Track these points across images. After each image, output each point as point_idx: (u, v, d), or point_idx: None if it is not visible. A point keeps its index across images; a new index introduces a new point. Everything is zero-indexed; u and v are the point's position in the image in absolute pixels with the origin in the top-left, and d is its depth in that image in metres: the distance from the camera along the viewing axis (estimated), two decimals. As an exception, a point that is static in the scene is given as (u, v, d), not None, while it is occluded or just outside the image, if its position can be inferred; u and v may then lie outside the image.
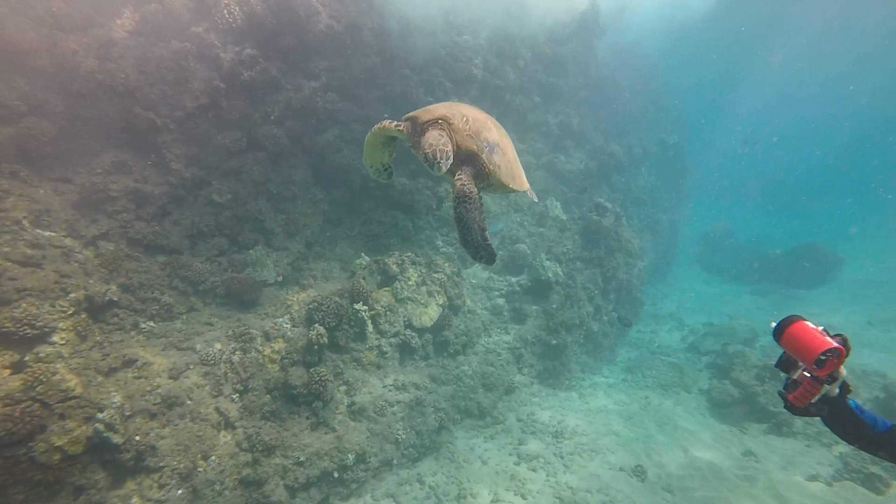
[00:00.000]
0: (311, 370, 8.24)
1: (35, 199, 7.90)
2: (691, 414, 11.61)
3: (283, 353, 8.23)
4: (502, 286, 13.02)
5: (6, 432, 5.61)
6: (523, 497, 8.61)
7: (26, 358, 6.86)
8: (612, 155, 18.70)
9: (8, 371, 6.70)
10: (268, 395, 7.90)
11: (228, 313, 8.93)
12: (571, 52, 19.22)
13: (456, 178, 3.66)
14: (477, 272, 13.32)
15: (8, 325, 6.66)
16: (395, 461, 8.81)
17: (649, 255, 19.74)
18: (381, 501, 8.33)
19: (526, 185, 4.16)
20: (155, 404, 6.96)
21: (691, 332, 17.20)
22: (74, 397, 6.22)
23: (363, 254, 10.48)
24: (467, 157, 3.69)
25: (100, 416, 6.25)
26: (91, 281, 7.82)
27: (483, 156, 3.64)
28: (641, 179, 20.54)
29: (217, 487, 7.01)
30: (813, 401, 2.63)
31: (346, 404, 8.73)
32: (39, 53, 8.19)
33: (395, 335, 9.74)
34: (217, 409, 7.46)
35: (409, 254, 10.50)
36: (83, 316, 7.52)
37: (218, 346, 7.98)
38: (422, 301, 10.18)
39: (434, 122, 3.72)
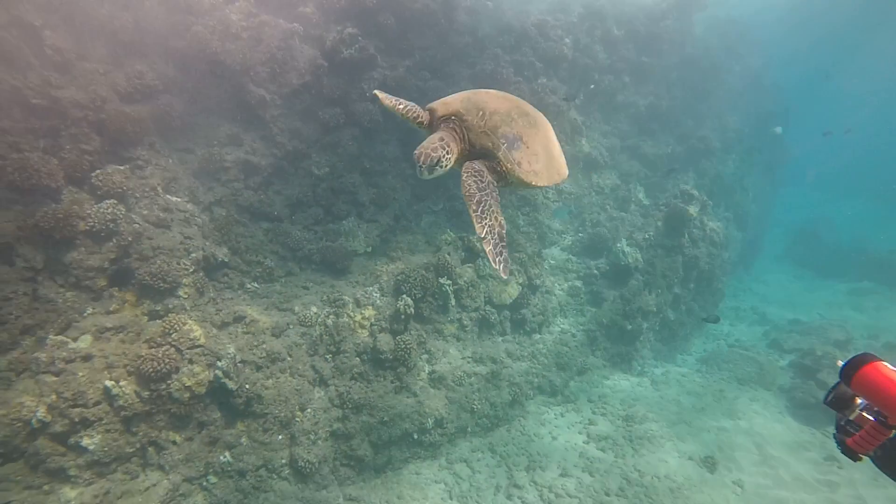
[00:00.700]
0: (397, 338, 8.83)
1: (166, 168, 8.84)
2: (768, 411, 11.35)
3: (373, 321, 8.85)
4: (580, 268, 13.09)
5: (153, 370, 6.55)
6: (591, 474, 8.90)
7: (157, 308, 7.86)
8: (702, 139, 17.93)
9: (146, 318, 7.72)
10: (357, 358, 8.57)
11: (322, 279, 9.64)
12: (667, 29, 18.40)
13: (464, 170, 3.51)
14: (555, 253, 13.44)
15: (147, 278, 7.63)
16: (469, 429, 9.33)
17: (734, 245, 18.96)
18: (455, 465, 8.90)
19: (558, 179, 3.93)
20: (261, 358, 7.77)
21: (774, 327, 16.52)
22: (199, 346, 7.10)
23: (449, 230, 10.89)
24: (483, 154, 3.62)
25: (219, 363, 7.11)
26: (207, 243, 8.71)
27: (500, 153, 3.53)
28: (732, 165, 19.56)
29: (311, 437, 7.79)
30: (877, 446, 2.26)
31: (427, 372, 9.29)
32: (175, 37, 9.04)
33: (476, 310, 10.16)
34: (313, 367, 8.21)
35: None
36: (201, 274, 8.44)
37: (314, 309, 8.70)
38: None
39: (447, 119, 3.66)
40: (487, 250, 3.45)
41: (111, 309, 7.53)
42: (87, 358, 6.73)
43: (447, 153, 3.51)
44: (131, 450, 6.70)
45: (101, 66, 8.64)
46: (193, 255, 8.40)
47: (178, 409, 6.87)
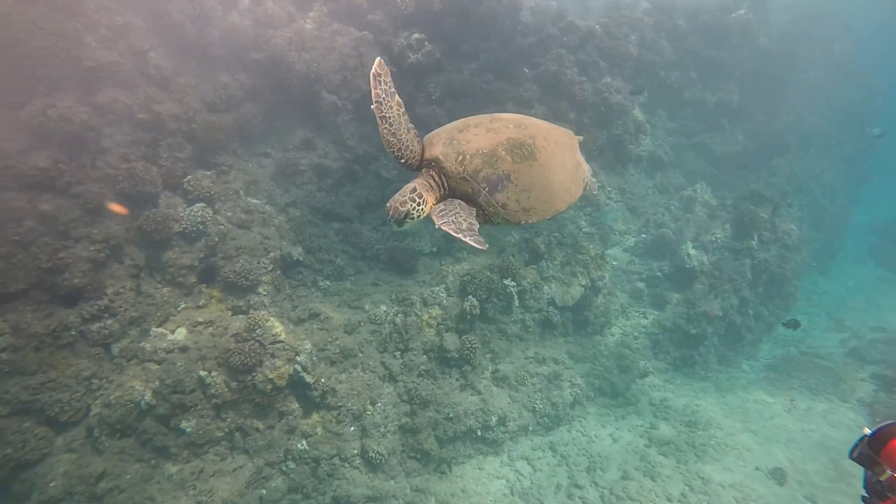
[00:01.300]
0: (462, 337, 9.12)
1: (247, 172, 9.48)
2: (846, 425, 10.87)
3: (439, 320, 9.17)
4: (643, 270, 12.95)
5: (240, 363, 7.14)
6: (652, 479, 8.90)
7: (240, 303, 8.49)
8: (775, 135, 17.20)
9: (230, 313, 8.37)
10: (424, 356, 8.93)
11: (390, 278, 10.05)
12: (738, 21, 17.69)
13: (433, 213, 3.44)
14: (618, 254, 13.35)
15: (231, 276, 8.26)
16: (531, 427, 9.53)
17: (809, 246, 18.07)
18: (517, 462, 9.13)
19: (562, 206, 3.72)
20: (335, 354, 8.25)
21: (854, 335, 15.64)
22: (280, 341, 7.64)
23: (513, 231, 11.07)
24: (465, 197, 3.46)
25: (298, 358, 7.63)
26: (284, 242, 9.28)
27: (480, 199, 3.39)
28: (809, 162, 18.62)
29: (381, 430, 8.21)
30: None
31: (490, 371, 9.55)
32: (256, 49, 9.65)
33: (539, 311, 10.31)
34: (383, 364, 8.62)
35: (557, 234, 10.89)
36: (278, 272, 9.02)
37: (383, 307, 9.11)
38: (565, 280, 10.59)
39: (428, 164, 3.49)
40: (451, 231, 3.38)
41: (200, 304, 8.22)
42: (183, 349, 7.41)
43: (417, 205, 3.37)
44: (221, 434, 7.33)
45: (193, 79, 9.35)
46: (272, 254, 8.99)
47: (262, 400, 7.44)
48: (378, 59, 3.41)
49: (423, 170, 3.56)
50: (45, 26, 7.56)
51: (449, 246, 10.95)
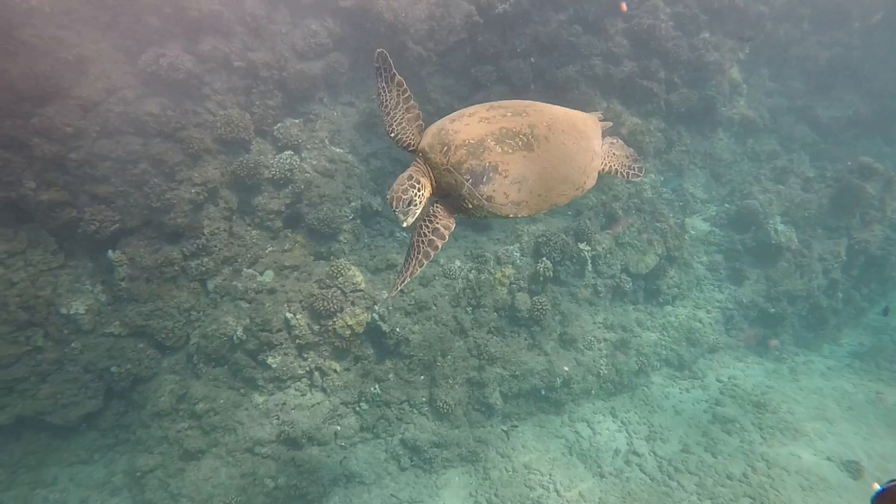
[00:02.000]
0: (533, 298, 9.21)
1: (332, 121, 9.68)
2: (942, 426, 10.26)
3: (512, 279, 9.27)
4: (723, 242, 12.38)
5: (323, 308, 7.61)
6: (713, 455, 8.87)
7: (322, 250, 8.90)
8: None
9: (312, 258, 8.81)
10: (495, 313, 9.11)
11: (465, 233, 10.17)
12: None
13: (414, 233, 3.40)
14: (697, 223, 12.80)
15: (315, 223, 8.65)
16: (593, 391, 9.64)
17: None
18: (577, 424, 9.32)
19: (564, 199, 3.55)
20: (409, 305, 8.57)
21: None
22: (360, 290, 8.02)
23: (591, 194, 10.82)
24: (449, 189, 3.37)
25: (376, 307, 8.00)
26: (364, 192, 9.53)
27: (463, 191, 3.25)
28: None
29: (450, 381, 8.58)
30: None
31: (558, 332, 9.64)
32: (346, -5, 9.65)
33: (611, 277, 10.18)
34: (454, 318, 8.89)
35: (636, 200, 10.57)
36: (358, 221, 9.33)
37: (458, 263, 9.29)
38: (641, 248, 10.35)
39: (420, 154, 3.43)
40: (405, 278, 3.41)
41: (286, 248, 8.69)
42: (271, 291, 7.94)
43: (418, 190, 3.31)
44: (302, 372, 7.92)
45: (283, 27, 9.48)
46: (353, 203, 9.28)
47: (340, 343, 7.92)
48: (379, 50, 3.46)
49: (416, 158, 3.49)
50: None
51: (524, 205, 10.88)
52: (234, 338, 7.60)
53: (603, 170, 3.84)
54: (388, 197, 3.31)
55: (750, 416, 9.73)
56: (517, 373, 8.91)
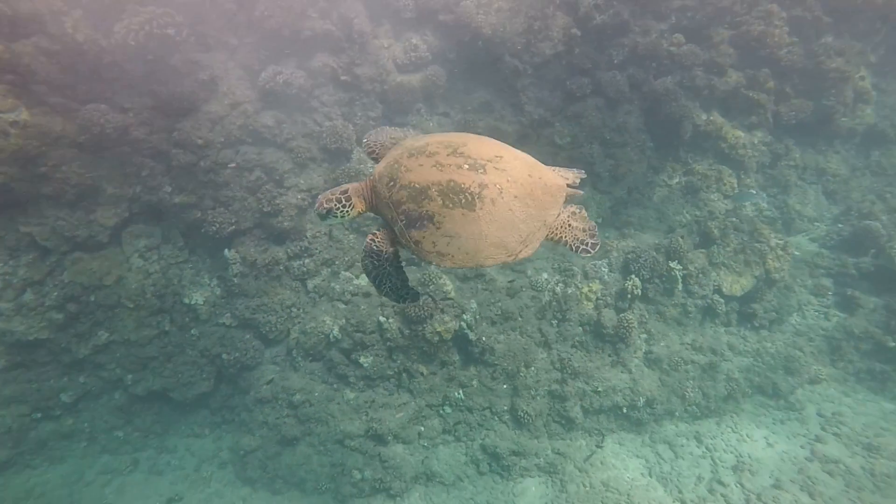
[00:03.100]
0: (620, 315, 9.11)
1: (427, 132, 10.04)
2: None
3: (598, 295, 9.22)
4: (833, 265, 11.48)
5: (414, 314, 8.00)
6: (811, 496, 8.35)
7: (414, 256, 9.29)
8: None
9: (404, 264, 9.22)
10: (580, 328, 9.12)
11: (552, 245, 10.20)
12: None
13: (364, 247, 3.56)
14: (802, 243, 11.97)
15: (408, 231, 9.04)
16: (677, 413, 9.37)
17: None
18: (658, 445, 9.12)
19: (487, 263, 3.47)
20: (496, 315, 8.77)
21: None
22: (450, 298, 8.33)
23: (684, 210, 10.50)
24: (385, 219, 3.50)
25: (464, 316, 8.28)
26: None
27: (396, 228, 3.37)
28: None
29: (531, 392, 8.70)
30: None
31: (643, 351, 9.46)
32: (446, 11, 9.96)
33: (702, 297, 9.82)
34: (539, 330, 8.99)
35: (734, 219, 10.10)
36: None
37: (545, 275, 9.37)
38: (737, 269, 9.89)
39: (369, 177, 3.58)
40: (391, 301, 3.61)
41: (380, 252, 9.15)
42: (366, 295, 8.44)
43: (343, 207, 3.48)
44: (391, 372, 8.36)
45: (386, 41, 9.97)
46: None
47: (428, 348, 8.28)
48: (367, 135, 3.86)
49: (369, 177, 3.61)
50: (280, 3, 8.61)
51: (614, 218, 10.75)
52: (331, 336, 8.18)
53: (552, 239, 3.74)
54: (317, 197, 3.53)
55: (859, 458, 9.02)
56: (599, 389, 8.87)
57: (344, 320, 8.29)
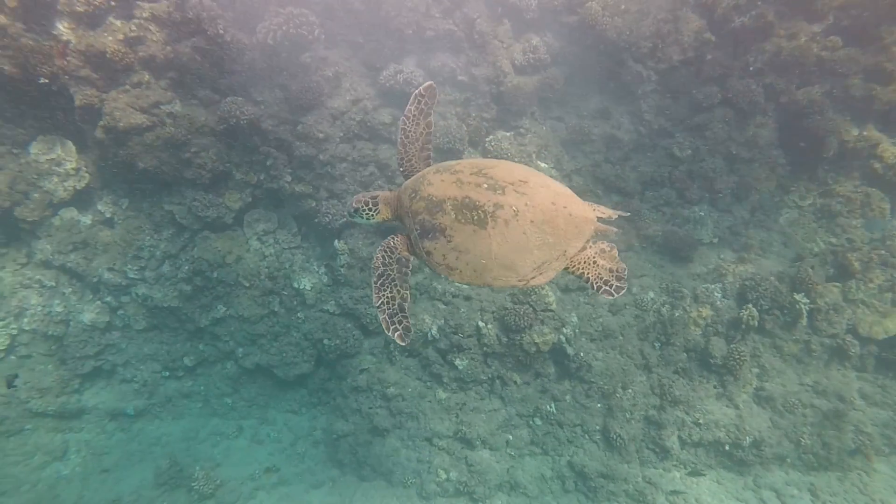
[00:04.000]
0: (731, 346, 8.45)
1: (540, 136, 9.85)
2: None
3: (708, 321, 8.61)
4: None
5: (514, 322, 7.91)
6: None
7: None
8: None
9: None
10: (684, 354, 8.57)
11: (661, 262, 9.66)
12: None
13: (381, 244, 3.75)
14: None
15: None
16: (788, 460, 8.56)
17: None
18: (763, 491, 8.38)
19: (495, 284, 3.51)
20: (596, 331, 8.46)
21: None
22: (551, 310, 8.14)
23: (817, 236, 9.51)
24: (405, 228, 3.73)
25: (564, 329, 8.06)
26: (562, 209, 9.53)
27: (412, 236, 3.60)
28: None
29: (626, 415, 8.32)
30: None
31: (753, 386, 8.72)
32: (568, 12, 9.66)
33: (831, 336, 8.85)
34: (641, 351, 8.56)
35: (882, 251, 8.97)
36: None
37: (651, 294, 8.89)
38: (880, 309, 8.79)
39: (399, 188, 3.86)
40: (381, 318, 3.56)
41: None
42: (467, 298, 8.46)
43: (370, 210, 3.82)
44: (484, 377, 8.34)
45: (505, 41, 9.84)
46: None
47: (524, 358, 8.16)
48: (429, 83, 4.08)
49: (400, 188, 3.85)
50: (406, 3, 8.79)
51: (733, 239, 9.96)
52: (429, 335, 8.29)
53: (573, 273, 3.66)
54: (353, 197, 3.91)
55: None
56: (700, 421, 8.30)
57: (443, 321, 8.36)
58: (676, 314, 8.64)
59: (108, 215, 8.66)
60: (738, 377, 8.54)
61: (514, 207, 3.33)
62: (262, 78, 8.48)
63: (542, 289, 8.25)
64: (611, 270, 3.65)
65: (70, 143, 8.30)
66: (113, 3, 7.77)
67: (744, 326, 8.46)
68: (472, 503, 8.12)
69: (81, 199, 8.66)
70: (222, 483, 8.40)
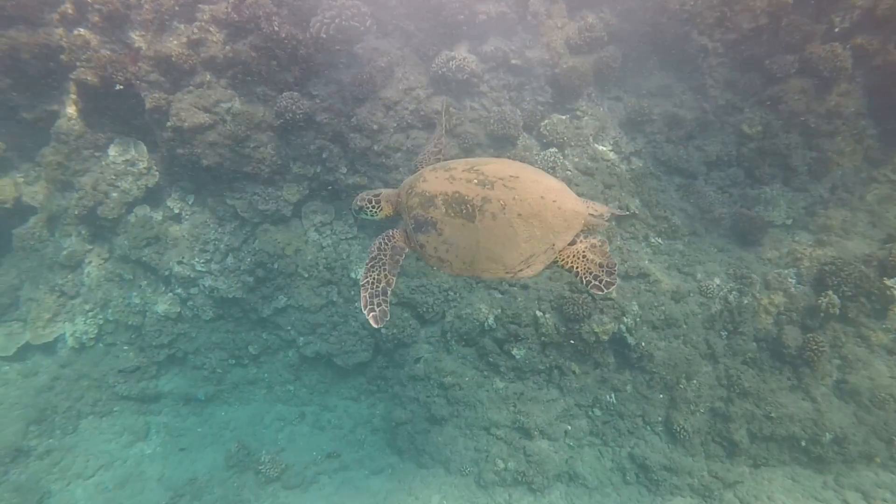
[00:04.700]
0: (807, 335, 7.92)
1: (597, 117, 9.49)
2: None
3: (781, 309, 8.10)
4: None
5: (572, 312, 7.74)
6: None
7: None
8: None
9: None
10: (754, 343, 8.11)
11: (728, 247, 9.14)
12: None
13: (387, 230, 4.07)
14: None
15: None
16: (878, 459, 7.97)
17: None
18: (847, 492, 7.85)
19: (484, 276, 3.68)
20: (659, 319, 8.14)
21: None
22: (610, 299, 7.90)
23: (908, 218, 8.70)
24: (404, 222, 3.97)
25: (624, 319, 7.81)
26: (623, 192, 9.19)
27: (408, 230, 3.84)
28: None
29: (691, 407, 7.99)
30: None
31: (834, 378, 8.15)
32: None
33: (926, 326, 8.13)
34: (706, 341, 8.17)
35: None
36: (612, 222, 9.07)
37: (717, 281, 8.45)
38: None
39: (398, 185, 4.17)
40: (362, 296, 3.76)
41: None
42: (524, 287, 8.33)
43: (373, 207, 4.12)
44: (542, 367, 8.22)
45: (559, 20, 9.50)
46: (610, 204, 9.05)
47: (583, 347, 7.98)
48: (443, 98, 4.44)
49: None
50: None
51: (809, 220, 9.28)
52: (486, 324, 8.24)
53: (563, 267, 3.71)
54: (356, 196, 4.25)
55: None
56: (772, 414, 7.84)
57: (500, 310, 8.28)
58: (745, 301, 8.17)
59: (176, 211, 9.11)
60: (815, 369, 8.00)
61: (501, 201, 3.47)
62: (317, 72, 8.58)
63: (601, 277, 7.99)
64: (601, 265, 3.65)
65: (142, 144, 8.76)
66: (177, 9, 8.07)
67: (822, 315, 7.89)
68: (530, 493, 8.08)
69: (152, 197, 9.15)
70: (287, 467, 8.75)
